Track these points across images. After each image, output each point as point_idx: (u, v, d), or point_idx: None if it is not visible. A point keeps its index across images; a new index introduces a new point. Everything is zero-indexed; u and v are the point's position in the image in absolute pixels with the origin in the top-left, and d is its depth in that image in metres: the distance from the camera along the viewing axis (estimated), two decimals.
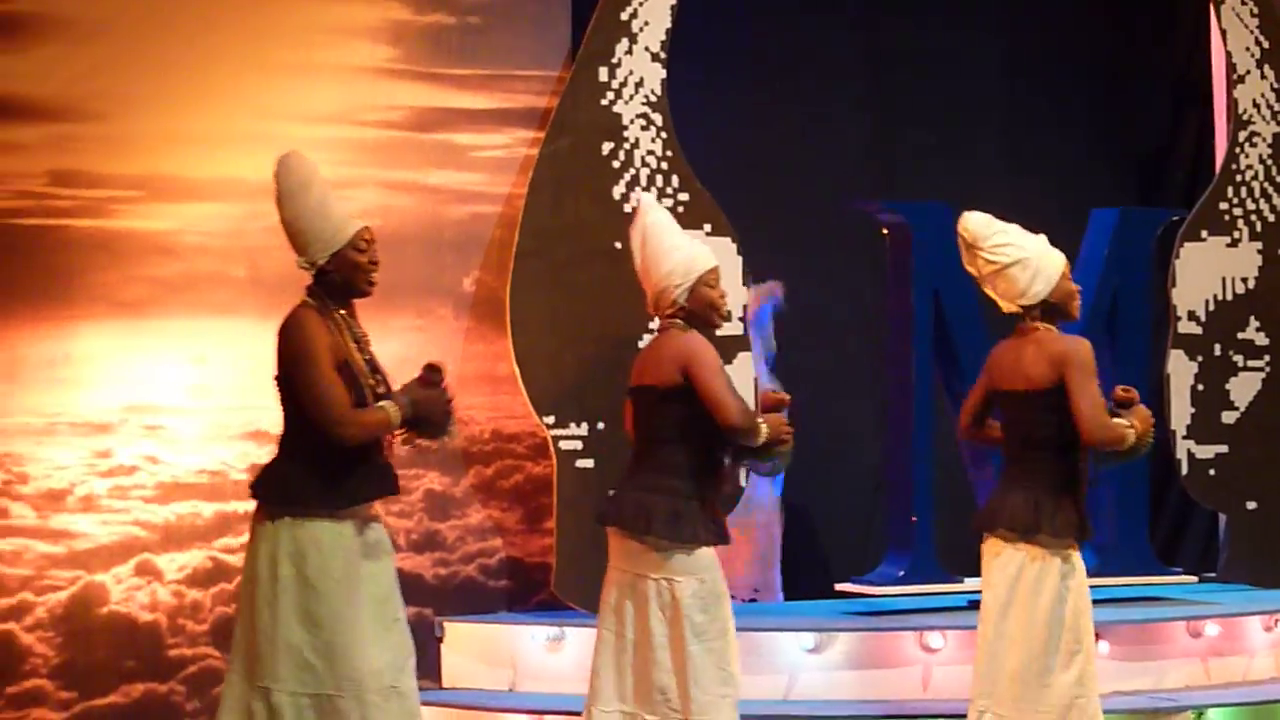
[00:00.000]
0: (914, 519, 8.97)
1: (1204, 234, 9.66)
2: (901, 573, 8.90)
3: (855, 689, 8.26)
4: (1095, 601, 9.16)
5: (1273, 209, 9.76)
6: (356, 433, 5.85)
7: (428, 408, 6.00)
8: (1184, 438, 9.54)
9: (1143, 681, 8.57)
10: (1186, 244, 9.60)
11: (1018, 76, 10.69)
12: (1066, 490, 6.79)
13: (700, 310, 6.73)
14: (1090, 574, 9.43)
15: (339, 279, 5.97)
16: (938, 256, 8.75)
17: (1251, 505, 9.63)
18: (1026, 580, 6.76)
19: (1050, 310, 6.87)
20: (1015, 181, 10.49)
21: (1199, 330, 9.56)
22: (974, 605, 8.86)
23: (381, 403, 5.91)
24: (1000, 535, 6.80)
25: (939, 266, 8.80)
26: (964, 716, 6.91)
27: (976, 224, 6.93)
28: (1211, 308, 9.63)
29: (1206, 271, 9.61)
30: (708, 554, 6.63)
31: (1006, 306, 6.96)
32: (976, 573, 7.00)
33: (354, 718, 5.80)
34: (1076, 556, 6.84)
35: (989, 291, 7.02)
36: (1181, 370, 9.55)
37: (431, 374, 6.04)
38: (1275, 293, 9.71)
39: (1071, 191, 10.26)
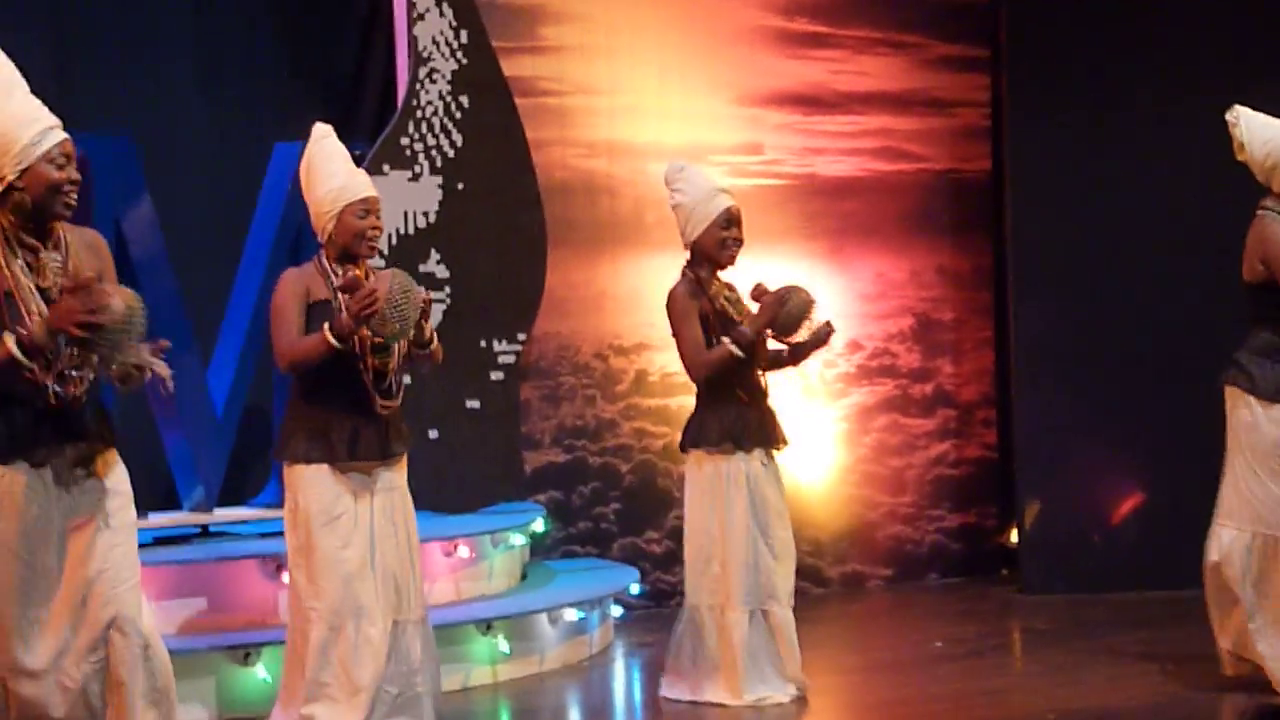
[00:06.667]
0: None
1: (386, 168, 9.85)
2: None
3: None
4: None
5: (452, 144, 10.02)
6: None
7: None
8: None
9: None
10: (371, 178, 9.72)
11: (206, 3, 10.56)
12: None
13: (348, 241, 7.01)
14: (277, 507, 9.52)
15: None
16: (119, 189, 8.62)
17: (433, 434, 9.90)
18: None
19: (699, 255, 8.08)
20: (207, 112, 10.39)
21: (381, 264, 9.70)
22: (158, 541, 8.80)
23: None
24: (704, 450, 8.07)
25: (120, 199, 8.66)
26: None
27: (667, 170, 8.15)
28: (394, 241, 9.83)
29: (390, 205, 9.76)
30: (302, 471, 6.88)
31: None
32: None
33: None
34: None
35: None
36: None
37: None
38: (455, 226, 9.98)
39: (263, 123, 10.23)
